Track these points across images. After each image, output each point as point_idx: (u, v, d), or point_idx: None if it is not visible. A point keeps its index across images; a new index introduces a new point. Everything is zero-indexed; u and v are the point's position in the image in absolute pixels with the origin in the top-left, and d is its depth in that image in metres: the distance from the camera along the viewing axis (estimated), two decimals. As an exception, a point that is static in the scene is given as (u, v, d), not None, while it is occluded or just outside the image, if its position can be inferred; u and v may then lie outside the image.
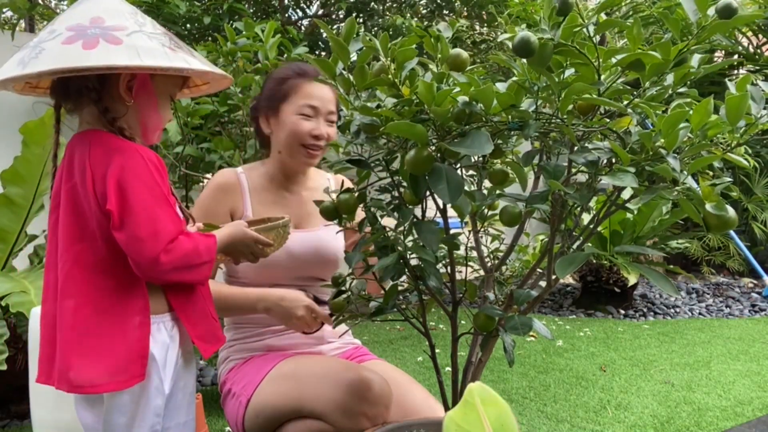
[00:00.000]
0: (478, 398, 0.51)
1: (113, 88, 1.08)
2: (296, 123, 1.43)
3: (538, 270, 1.03)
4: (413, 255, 0.96)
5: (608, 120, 0.89)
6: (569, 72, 0.84)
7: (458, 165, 0.93)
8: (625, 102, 0.82)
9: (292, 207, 1.50)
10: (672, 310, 4.45)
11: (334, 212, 1.02)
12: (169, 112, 1.16)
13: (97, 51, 0.97)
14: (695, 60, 0.82)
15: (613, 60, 0.80)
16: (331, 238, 1.51)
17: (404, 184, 0.97)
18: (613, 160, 0.86)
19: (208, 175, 2.67)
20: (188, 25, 3.39)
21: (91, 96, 1.07)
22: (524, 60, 0.81)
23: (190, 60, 1.04)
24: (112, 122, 1.08)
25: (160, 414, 1.10)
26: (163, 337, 1.10)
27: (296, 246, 1.43)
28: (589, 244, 0.93)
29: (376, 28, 3.76)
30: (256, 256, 1.22)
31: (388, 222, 1.06)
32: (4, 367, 1.99)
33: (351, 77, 0.90)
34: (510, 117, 0.83)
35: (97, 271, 1.05)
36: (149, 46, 1.01)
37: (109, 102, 1.08)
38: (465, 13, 4.29)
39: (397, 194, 0.99)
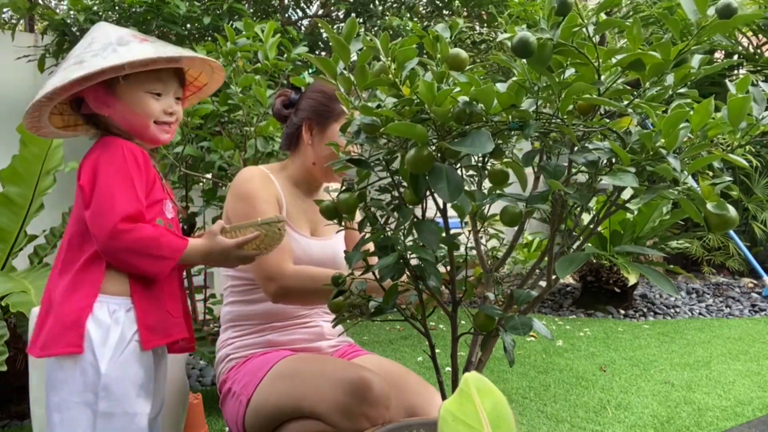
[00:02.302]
0: (474, 388, 0.50)
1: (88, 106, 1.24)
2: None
3: (538, 270, 1.03)
4: (413, 255, 0.96)
5: (608, 120, 0.89)
6: (569, 72, 0.83)
7: (458, 165, 0.92)
8: (626, 102, 0.82)
9: (314, 214, 1.52)
10: (672, 310, 4.45)
11: (334, 212, 1.02)
12: (151, 107, 1.23)
13: (46, 84, 1.15)
14: (696, 60, 0.82)
15: (613, 60, 0.80)
16: (342, 245, 1.57)
17: (404, 183, 0.96)
18: (614, 160, 0.85)
19: (208, 175, 2.66)
20: (188, 25, 3.38)
21: (82, 119, 1.26)
22: (524, 60, 0.81)
23: (123, 54, 1.14)
24: (108, 130, 1.24)
25: (95, 392, 1.11)
26: (103, 316, 1.13)
27: (317, 252, 1.48)
28: (589, 244, 0.93)
29: (375, 29, 3.75)
30: (250, 258, 1.23)
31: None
32: (4, 368, 1.99)
33: (352, 77, 0.90)
34: (510, 117, 0.83)
35: (72, 245, 1.17)
36: (84, 62, 1.16)
37: (98, 118, 1.24)
38: (465, 13, 4.28)
39: (397, 194, 0.99)
